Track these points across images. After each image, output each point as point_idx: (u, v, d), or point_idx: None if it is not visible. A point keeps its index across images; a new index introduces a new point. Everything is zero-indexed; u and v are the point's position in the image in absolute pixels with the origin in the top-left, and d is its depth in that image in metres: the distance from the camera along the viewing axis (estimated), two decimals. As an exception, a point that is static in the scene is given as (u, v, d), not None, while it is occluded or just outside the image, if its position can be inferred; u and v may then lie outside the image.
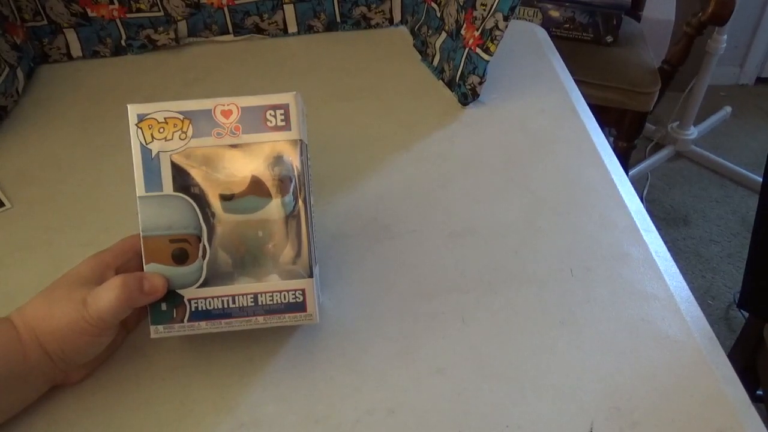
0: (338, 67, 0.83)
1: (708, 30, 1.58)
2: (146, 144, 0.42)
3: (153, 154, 0.42)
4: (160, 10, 0.85)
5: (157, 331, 0.44)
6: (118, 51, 0.87)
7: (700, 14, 1.48)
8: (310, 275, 0.44)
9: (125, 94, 0.79)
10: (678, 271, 0.54)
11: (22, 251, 0.57)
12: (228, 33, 0.89)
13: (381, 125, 0.72)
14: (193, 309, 0.44)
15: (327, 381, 0.46)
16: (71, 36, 0.85)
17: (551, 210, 0.60)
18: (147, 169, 0.42)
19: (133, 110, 0.43)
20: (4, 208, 0.62)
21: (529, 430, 0.43)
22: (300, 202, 0.44)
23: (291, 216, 0.44)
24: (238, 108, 0.43)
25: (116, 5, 0.83)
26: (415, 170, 0.66)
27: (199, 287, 0.44)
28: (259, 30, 0.89)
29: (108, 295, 0.41)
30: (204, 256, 0.43)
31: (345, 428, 0.43)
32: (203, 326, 0.44)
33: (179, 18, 0.86)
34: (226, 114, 0.42)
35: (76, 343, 0.42)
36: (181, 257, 0.43)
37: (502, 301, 0.51)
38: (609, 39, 1.55)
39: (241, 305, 0.44)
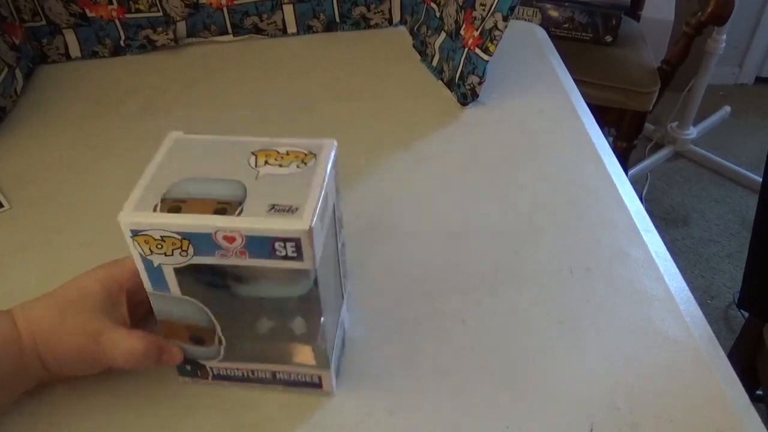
0: (337, 68, 0.83)
1: (707, 30, 1.58)
2: (146, 256, 0.38)
3: (155, 264, 0.38)
4: (159, 11, 0.85)
5: (184, 381, 0.46)
6: (117, 51, 0.86)
7: (699, 14, 1.48)
8: (327, 366, 0.42)
9: (124, 94, 0.79)
10: (677, 271, 0.54)
11: (21, 252, 0.57)
12: (227, 33, 0.89)
13: (380, 125, 0.72)
14: (215, 374, 0.45)
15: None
16: (70, 36, 0.85)
17: (551, 210, 0.60)
18: (151, 274, 0.39)
19: (125, 225, 0.36)
20: (2, 209, 0.61)
21: (529, 430, 0.43)
22: (315, 284, 0.38)
23: (305, 298, 0.38)
24: (242, 236, 0.35)
25: (115, 5, 0.83)
26: (415, 170, 0.66)
27: (219, 362, 0.44)
28: (258, 30, 0.89)
29: (126, 348, 0.41)
30: (221, 343, 0.42)
31: (345, 429, 0.43)
32: (226, 384, 0.45)
33: (178, 18, 0.86)
34: (229, 239, 0.36)
35: (77, 367, 0.42)
36: (198, 341, 0.43)
37: (502, 302, 0.51)
38: (608, 39, 1.55)
39: (260, 377, 0.45)
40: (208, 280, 0.38)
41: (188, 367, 0.45)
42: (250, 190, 0.37)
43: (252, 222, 0.35)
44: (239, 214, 0.35)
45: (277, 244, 0.35)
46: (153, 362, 0.42)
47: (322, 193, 0.36)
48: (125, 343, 0.41)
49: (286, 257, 0.35)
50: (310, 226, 0.34)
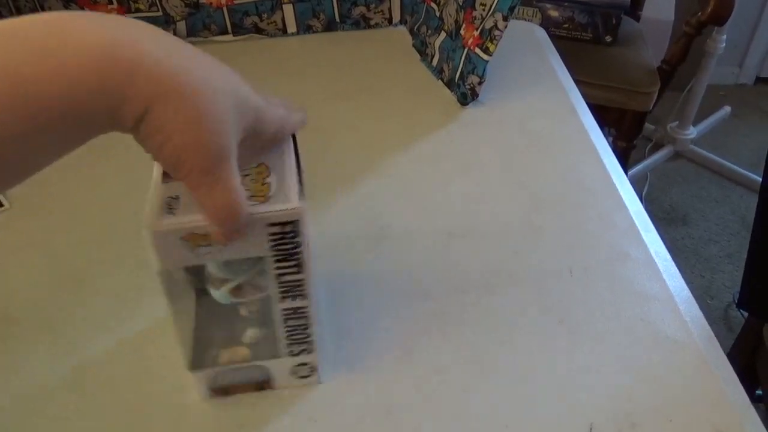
0: (337, 67, 0.83)
1: (707, 30, 1.58)
2: None
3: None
4: (159, 10, 0.85)
5: None
6: (117, 51, 0.86)
7: (699, 14, 1.48)
8: (277, 356, 0.43)
9: (124, 94, 0.79)
10: (677, 270, 0.54)
11: (21, 251, 0.57)
12: (227, 33, 0.89)
13: (380, 125, 0.72)
14: None
15: (327, 381, 0.46)
16: (70, 36, 0.85)
17: (551, 210, 0.60)
18: None
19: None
20: (2, 209, 0.61)
21: (529, 430, 0.43)
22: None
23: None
24: None
25: (115, 5, 0.83)
26: (415, 170, 0.66)
27: None
28: (258, 30, 0.89)
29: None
30: None
31: (345, 428, 0.43)
32: None
33: (178, 18, 0.86)
34: None
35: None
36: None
37: (502, 301, 0.51)
38: (608, 39, 1.55)
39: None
40: None
41: None
42: None
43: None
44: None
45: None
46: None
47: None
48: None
49: None
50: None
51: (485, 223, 0.59)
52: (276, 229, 0.36)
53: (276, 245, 0.37)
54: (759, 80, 2.52)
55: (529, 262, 0.55)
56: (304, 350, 0.43)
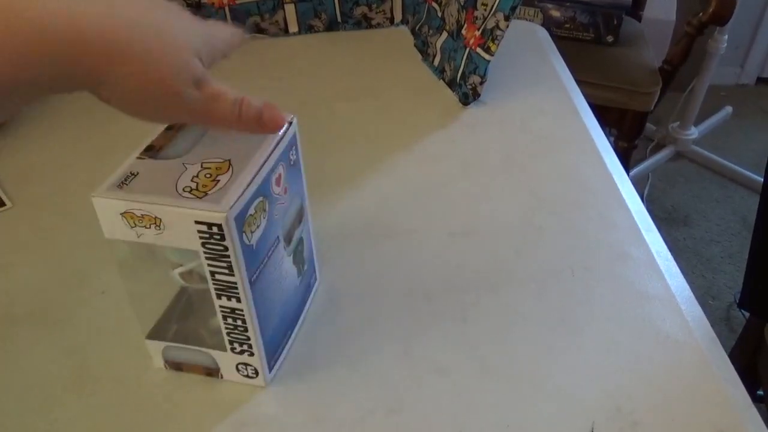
0: (339, 67, 0.83)
1: (709, 30, 1.58)
2: None
3: None
4: (160, 10, 0.85)
5: None
6: (118, 51, 0.86)
7: (700, 14, 1.48)
8: (223, 349, 0.44)
9: (126, 93, 0.79)
10: (679, 271, 0.54)
11: (23, 250, 0.57)
12: (228, 33, 0.89)
13: (381, 125, 0.72)
14: None
15: (327, 381, 0.46)
16: (72, 35, 0.85)
17: (552, 210, 0.60)
18: None
19: None
20: (4, 208, 0.62)
21: (530, 430, 0.43)
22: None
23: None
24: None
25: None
26: (416, 170, 0.66)
27: None
28: (259, 30, 0.89)
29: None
30: None
31: (345, 428, 0.43)
32: None
33: (180, 18, 0.86)
34: None
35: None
36: None
37: (503, 301, 0.51)
38: (610, 39, 1.55)
39: None
40: None
41: None
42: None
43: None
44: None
45: None
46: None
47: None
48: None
49: None
50: None
51: (486, 223, 0.59)
52: (203, 228, 0.36)
53: (205, 243, 0.37)
54: (760, 80, 2.52)
55: (530, 262, 0.55)
56: (245, 351, 0.43)
